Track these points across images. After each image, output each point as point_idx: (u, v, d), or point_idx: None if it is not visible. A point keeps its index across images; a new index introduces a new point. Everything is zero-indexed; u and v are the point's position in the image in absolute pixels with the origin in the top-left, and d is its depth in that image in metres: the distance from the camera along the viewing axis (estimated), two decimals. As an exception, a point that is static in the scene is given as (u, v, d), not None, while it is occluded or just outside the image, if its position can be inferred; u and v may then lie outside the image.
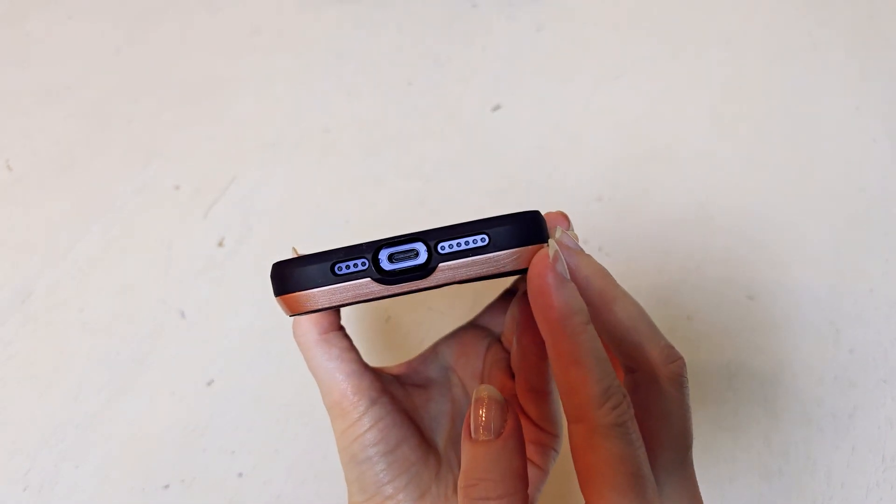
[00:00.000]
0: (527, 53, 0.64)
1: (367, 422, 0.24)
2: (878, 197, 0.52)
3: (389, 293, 0.23)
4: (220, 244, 0.50)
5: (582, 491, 0.20)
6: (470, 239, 0.23)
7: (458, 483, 0.20)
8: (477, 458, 0.20)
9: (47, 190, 0.53)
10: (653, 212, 0.51)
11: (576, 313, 0.20)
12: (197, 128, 0.58)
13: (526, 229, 0.23)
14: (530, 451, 0.26)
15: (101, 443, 0.40)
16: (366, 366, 0.26)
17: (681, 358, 0.22)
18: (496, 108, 0.59)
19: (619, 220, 0.50)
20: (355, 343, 0.27)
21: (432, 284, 0.23)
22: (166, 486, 0.39)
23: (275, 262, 0.24)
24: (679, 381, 0.22)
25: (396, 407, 0.26)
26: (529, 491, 0.22)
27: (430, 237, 0.24)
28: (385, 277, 0.23)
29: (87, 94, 0.61)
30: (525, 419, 0.27)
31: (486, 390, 0.22)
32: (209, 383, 0.43)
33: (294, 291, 0.23)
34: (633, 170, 0.54)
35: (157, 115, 0.59)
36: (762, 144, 0.56)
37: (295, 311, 0.23)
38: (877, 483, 0.38)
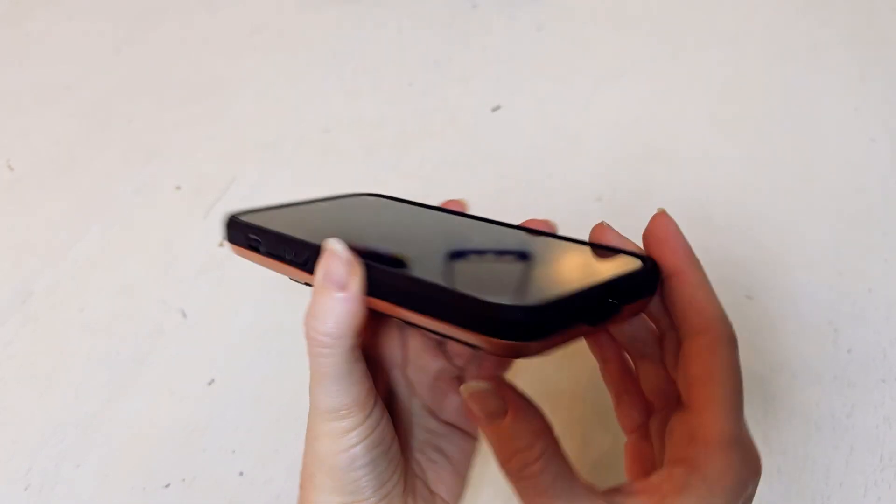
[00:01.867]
0: (527, 54, 0.64)
1: (373, 422, 0.24)
2: (877, 197, 0.52)
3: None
4: (221, 244, 0.50)
5: (688, 393, 0.23)
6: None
7: (499, 464, 0.22)
8: (500, 438, 0.22)
9: (48, 190, 0.53)
10: (652, 212, 0.51)
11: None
12: (197, 128, 0.58)
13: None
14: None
15: (102, 442, 0.40)
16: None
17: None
18: (496, 108, 0.59)
19: (619, 221, 0.50)
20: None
21: None
22: (167, 486, 0.39)
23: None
24: (736, 342, 0.24)
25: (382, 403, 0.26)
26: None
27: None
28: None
29: (88, 94, 0.61)
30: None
31: (468, 389, 0.23)
32: (210, 383, 0.43)
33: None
34: (633, 170, 0.54)
35: (158, 116, 0.59)
36: (761, 145, 0.56)
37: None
38: (875, 482, 0.38)
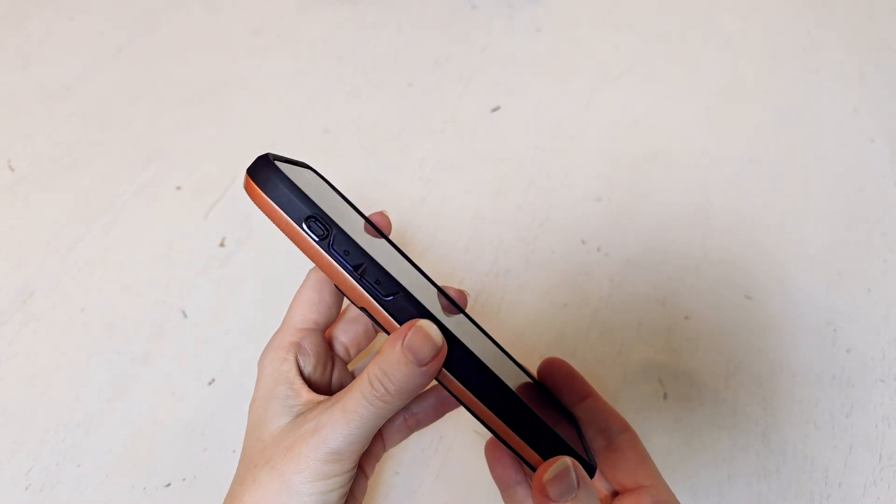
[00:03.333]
0: (526, 54, 0.64)
1: (349, 480, 0.26)
2: (875, 197, 0.52)
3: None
4: (221, 244, 0.50)
5: (634, 474, 0.28)
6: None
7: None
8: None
9: (49, 190, 0.53)
10: (651, 212, 0.51)
11: None
12: (198, 128, 0.58)
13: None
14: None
15: (103, 442, 0.40)
16: None
17: None
18: (496, 108, 0.59)
19: (618, 221, 0.51)
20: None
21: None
22: (168, 485, 0.39)
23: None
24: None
25: None
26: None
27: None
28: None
29: (88, 95, 0.61)
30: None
31: (555, 470, 0.25)
32: (210, 382, 0.43)
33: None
34: (632, 170, 0.54)
35: (158, 116, 0.59)
36: (760, 145, 0.56)
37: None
38: (874, 482, 0.38)
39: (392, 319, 0.25)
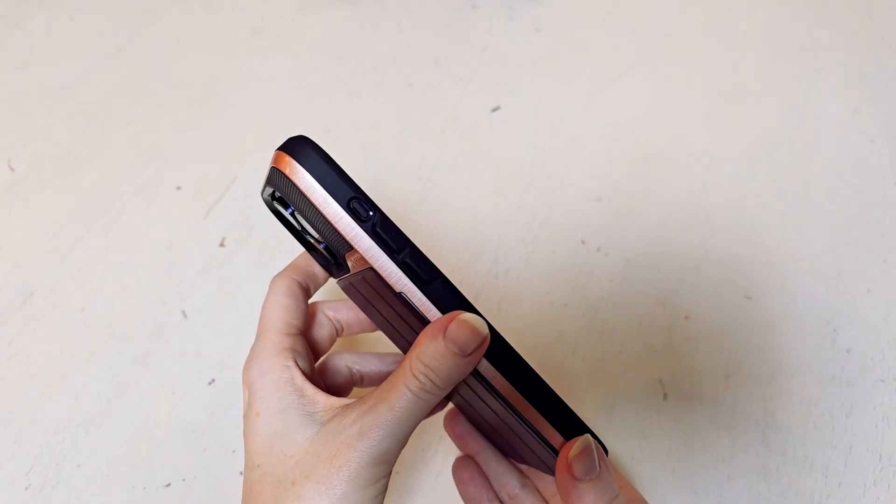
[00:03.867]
0: (526, 54, 0.64)
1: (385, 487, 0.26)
2: (875, 197, 0.52)
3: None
4: (221, 244, 0.50)
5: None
6: None
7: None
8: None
9: (49, 190, 0.53)
10: (651, 212, 0.51)
11: None
12: (197, 128, 0.58)
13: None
14: None
15: (103, 442, 0.40)
16: None
17: None
18: (495, 108, 0.59)
19: (618, 221, 0.51)
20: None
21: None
22: (168, 485, 0.39)
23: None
24: None
25: None
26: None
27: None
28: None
29: (88, 95, 0.61)
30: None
31: (579, 447, 0.25)
32: (210, 382, 0.43)
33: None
34: (632, 170, 0.54)
35: (158, 116, 0.59)
36: (760, 145, 0.56)
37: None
38: (874, 482, 0.38)
39: (432, 305, 0.25)
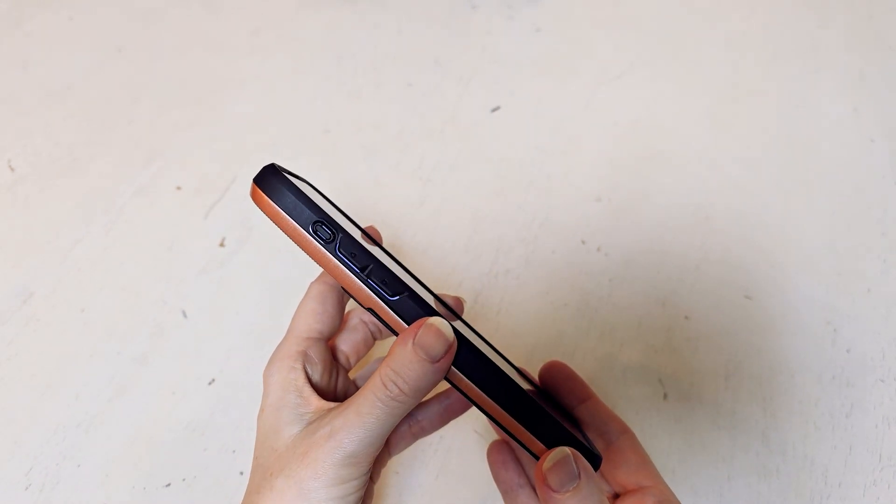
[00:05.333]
0: (526, 55, 0.64)
1: (364, 484, 0.27)
2: (875, 197, 0.52)
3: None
4: (221, 244, 0.50)
5: (635, 475, 0.29)
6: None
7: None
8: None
9: (49, 190, 0.53)
10: (651, 212, 0.51)
11: None
12: (197, 128, 0.58)
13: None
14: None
15: (103, 442, 0.40)
16: None
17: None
18: (496, 108, 0.59)
19: (618, 221, 0.51)
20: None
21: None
22: (168, 485, 0.39)
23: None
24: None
25: None
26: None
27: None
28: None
29: (88, 95, 0.61)
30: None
31: (553, 458, 0.25)
32: (210, 382, 0.43)
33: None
34: (632, 171, 0.54)
35: (158, 116, 0.59)
36: (760, 145, 0.56)
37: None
38: (874, 482, 0.38)
39: (399, 319, 0.26)
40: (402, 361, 0.24)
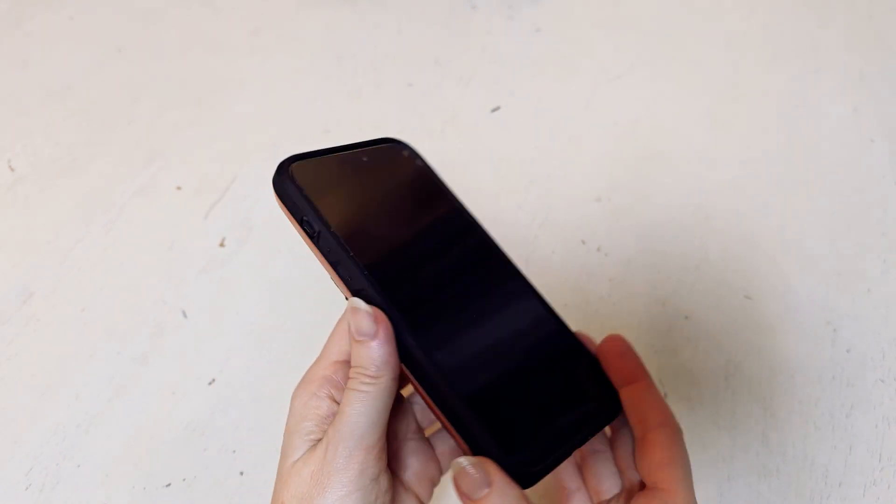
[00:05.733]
0: (526, 54, 0.64)
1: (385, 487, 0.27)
2: (875, 197, 0.52)
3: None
4: (222, 244, 0.50)
5: (655, 475, 0.27)
6: None
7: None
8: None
9: (49, 190, 0.53)
10: (651, 212, 0.51)
11: None
12: (198, 128, 0.58)
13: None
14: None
15: (103, 442, 0.40)
16: None
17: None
18: (496, 108, 0.59)
19: (618, 221, 0.51)
20: None
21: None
22: (168, 485, 0.39)
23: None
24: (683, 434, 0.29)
25: None
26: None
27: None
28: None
29: (88, 95, 0.61)
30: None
31: (456, 466, 0.25)
32: (210, 382, 0.43)
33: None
34: (632, 171, 0.54)
35: (158, 116, 0.59)
36: (760, 145, 0.56)
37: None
38: (874, 482, 0.38)
39: None
40: (354, 351, 0.25)
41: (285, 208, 0.27)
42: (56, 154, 0.56)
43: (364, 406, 0.25)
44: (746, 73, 0.62)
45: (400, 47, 0.65)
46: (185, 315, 0.46)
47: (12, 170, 0.55)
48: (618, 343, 0.30)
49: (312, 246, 0.27)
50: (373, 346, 0.25)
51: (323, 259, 0.27)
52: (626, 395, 0.29)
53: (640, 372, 0.30)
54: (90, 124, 0.58)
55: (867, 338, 0.44)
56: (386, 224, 0.29)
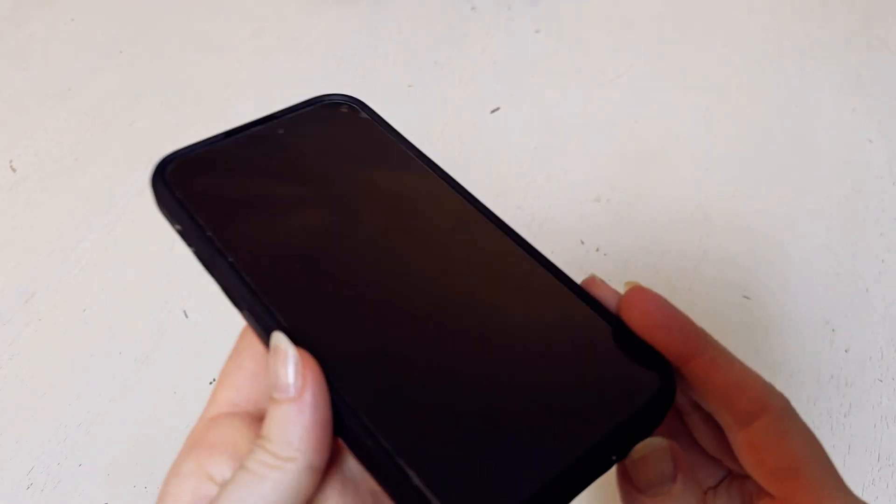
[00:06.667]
0: (525, 55, 0.65)
1: None
2: (873, 197, 0.52)
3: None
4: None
5: (780, 488, 0.19)
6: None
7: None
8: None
9: (50, 190, 0.54)
10: (650, 212, 0.51)
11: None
12: (198, 128, 0.58)
13: None
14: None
15: (104, 441, 0.40)
16: None
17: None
18: (495, 109, 0.60)
19: (617, 221, 0.51)
20: None
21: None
22: (169, 485, 0.39)
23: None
24: (795, 410, 0.21)
25: None
26: None
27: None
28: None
29: (90, 95, 0.61)
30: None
31: (643, 449, 0.18)
32: (212, 382, 0.43)
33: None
34: (631, 171, 0.54)
35: (159, 116, 0.59)
36: (759, 145, 0.56)
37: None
38: (872, 481, 0.39)
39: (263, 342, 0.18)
40: (267, 411, 0.17)
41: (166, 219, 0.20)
42: (57, 154, 0.56)
43: (255, 500, 0.16)
44: (745, 73, 0.62)
45: (400, 48, 0.65)
46: (186, 315, 0.46)
47: (14, 170, 0.55)
48: (648, 304, 0.20)
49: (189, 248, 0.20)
50: (288, 411, 0.17)
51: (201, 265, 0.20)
52: (693, 376, 0.20)
53: (696, 339, 0.20)
54: (91, 125, 0.59)
55: (865, 337, 0.44)
56: (304, 229, 0.20)
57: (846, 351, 0.44)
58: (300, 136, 0.24)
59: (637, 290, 0.20)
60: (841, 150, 0.55)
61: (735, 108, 0.59)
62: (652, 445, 0.18)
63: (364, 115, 0.24)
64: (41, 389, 0.43)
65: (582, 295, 0.21)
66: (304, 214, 0.21)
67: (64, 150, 0.56)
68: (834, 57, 0.63)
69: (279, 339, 0.18)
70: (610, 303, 0.21)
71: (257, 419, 0.18)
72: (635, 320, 0.20)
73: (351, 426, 0.16)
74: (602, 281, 0.22)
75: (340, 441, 0.18)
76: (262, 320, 0.19)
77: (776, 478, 0.19)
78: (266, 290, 0.19)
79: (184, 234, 0.20)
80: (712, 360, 0.20)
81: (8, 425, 0.41)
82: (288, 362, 0.17)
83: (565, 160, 0.55)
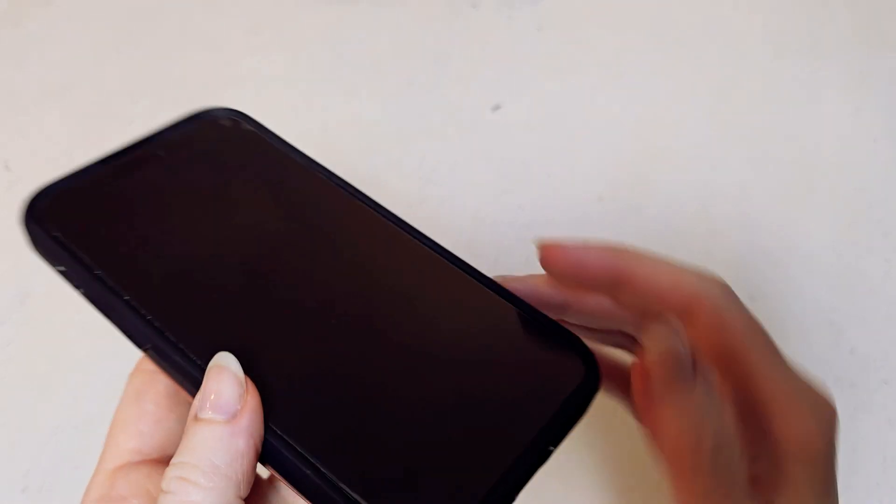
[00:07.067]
0: (527, 53, 0.64)
1: None
2: (878, 197, 0.52)
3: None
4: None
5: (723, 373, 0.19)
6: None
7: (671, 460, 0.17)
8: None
9: (46, 190, 0.53)
10: (653, 212, 0.51)
11: None
12: (196, 127, 0.58)
13: None
14: None
15: (101, 444, 0.40)
16: None
17: None
18: (496, 107, 0.59)
19: (620, 221, 0.50)
20: None
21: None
22: (166, 488, 0.39)
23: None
24: (727, 287, 0.20)
25: None
26: None
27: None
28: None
29: (87, 94, 0.61)
30: None
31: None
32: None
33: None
34: (634, 170, 0.54)
35: (157, 115, 0.59)
36: (762, 145, 0.56)
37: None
38: (877, 484, 0.38)
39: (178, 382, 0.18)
40: (187, 434, 0.16)
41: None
42: (53, 154, 0.56)
43: None
44: (748, 72, 0.62)
45: (399, 46, 0.65)
46: (183, 316, 0.46)
47: (9, 170, 0.54)
48: (560, 251, 0.19)
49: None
50: (220, 432, 0.16)
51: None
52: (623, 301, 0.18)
53: (621, 259, 0.18)
54: (88, 124, 0.58)
55: (871, 339, 0.44)
56: (200, 254, 0.20)
57: (851, 352, 0.43)
58: (182, 155, 0.23)
59: (547, 247, 0.20)
60: (845, 150, 0.55)
61: (738, 108, 0.59)
62: (664, 335, 0.17)
63: (247, 126, 0.23)
64: (37, 391, 0.42)
65: (498, 290, 0.22)
66: (197, 238, 0.20)
67: (60, 150, 0.56)
68: (837, 56, 0.63)
69: (228, 359, 0.17)
70: (526, 294, 0.21)
71: (166, 466, 0.17)
72: (558, 271, 0.20)
73: (283, 453, 0.16)
74: (513, 276, 0.22)
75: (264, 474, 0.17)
76: (170, 359, 0.18)
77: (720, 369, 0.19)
78: (170, 324, 0.18)
79: (68, 276, 0.20)
80: (639, 268, 0.19)
81: (3, 427, 0.41)
82: (235, 383, 0.16)
83: (567, 159, 0.55)
